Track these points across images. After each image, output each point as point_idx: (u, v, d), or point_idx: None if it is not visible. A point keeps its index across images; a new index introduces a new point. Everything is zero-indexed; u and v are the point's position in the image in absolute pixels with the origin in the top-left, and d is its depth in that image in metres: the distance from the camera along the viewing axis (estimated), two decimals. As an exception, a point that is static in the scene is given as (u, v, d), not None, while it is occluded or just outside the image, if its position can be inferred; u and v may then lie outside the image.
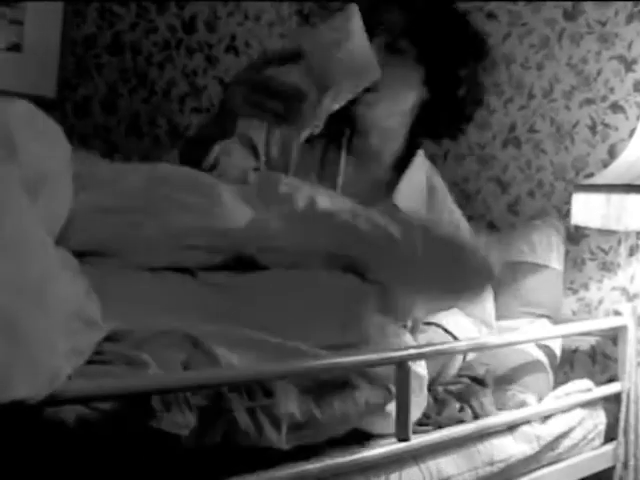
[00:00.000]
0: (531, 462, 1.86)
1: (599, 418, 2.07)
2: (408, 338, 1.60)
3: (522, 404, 1.88)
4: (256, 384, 1.26)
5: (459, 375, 1.82)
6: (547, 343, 2.09)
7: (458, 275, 1.56)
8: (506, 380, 1.93)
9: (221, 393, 1.22)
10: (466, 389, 1.75)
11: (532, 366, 2.00)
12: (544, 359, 2.05)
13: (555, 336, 2.06)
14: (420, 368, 1.59)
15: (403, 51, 1.85)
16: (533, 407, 1.90)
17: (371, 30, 1.65)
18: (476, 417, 1.72)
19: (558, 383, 2.21)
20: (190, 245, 1.50)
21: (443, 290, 1.60)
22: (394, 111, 1.87)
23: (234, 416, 1.22)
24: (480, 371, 1.84)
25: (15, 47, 2.17)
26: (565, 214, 2.32)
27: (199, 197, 1.52)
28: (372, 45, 1.62)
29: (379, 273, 1.52)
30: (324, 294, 1.50)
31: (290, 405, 1.29)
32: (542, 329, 2.08)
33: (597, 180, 2.12)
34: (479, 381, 1.79)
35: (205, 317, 1.40)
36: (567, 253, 2.34)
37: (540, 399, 1.96)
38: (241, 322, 1.40)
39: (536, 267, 2.24)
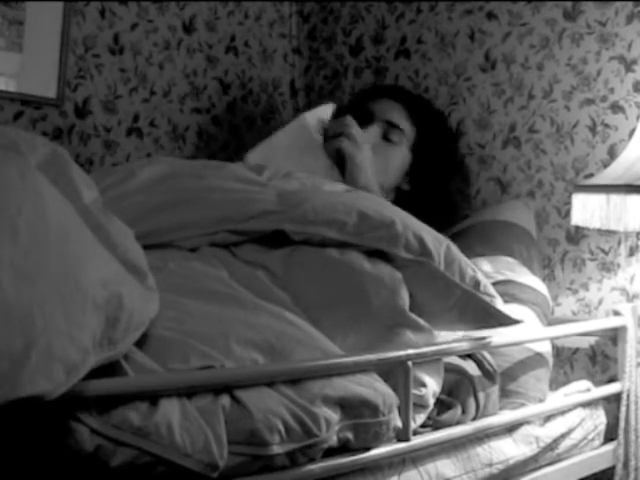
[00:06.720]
0: (530, 463, 1.85)
1: (599, 418, 2.07)
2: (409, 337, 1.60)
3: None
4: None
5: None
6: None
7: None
8: (510, 377, 1.93)
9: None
10: (479, 380, 1.74)
11: (536, 362, 2.00)
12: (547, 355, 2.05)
13: (555, 336, 2.06)
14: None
15: (395, 142, 2.25)
16: (533, 408, 1.90)
17: (371, 117, 2.24)
18: (478, 410, 1.72)
19: (558, 383, 2.21)
20: (230, 229, 1.64)
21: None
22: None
23: None
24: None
25: (15, 47, 2.16)
26: (565, 214, 2.32)
27: (241, 184, 1.72)
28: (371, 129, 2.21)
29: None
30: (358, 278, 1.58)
31: None
32: (543, 329, 2.08)
33: (597, 180, 2.12)
34: (489, 374, 1.78)
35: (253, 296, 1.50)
36: (567, 253, 2.34)
37: (540, 400, 1.96)
38: (286, 302, 1.53)
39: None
